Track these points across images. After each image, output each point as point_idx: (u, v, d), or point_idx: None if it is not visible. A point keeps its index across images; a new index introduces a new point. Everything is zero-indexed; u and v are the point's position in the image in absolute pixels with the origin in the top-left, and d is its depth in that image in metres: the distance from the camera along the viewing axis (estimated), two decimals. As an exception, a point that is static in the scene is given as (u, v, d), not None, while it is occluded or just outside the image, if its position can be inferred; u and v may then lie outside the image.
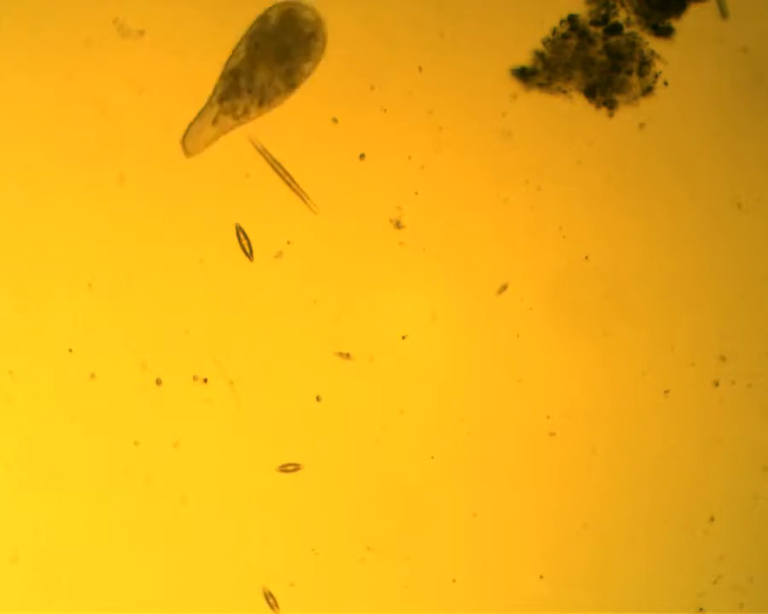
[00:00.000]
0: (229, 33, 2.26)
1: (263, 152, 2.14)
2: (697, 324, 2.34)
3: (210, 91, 2.22)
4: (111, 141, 2.27)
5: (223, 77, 2.17)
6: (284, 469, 2.33)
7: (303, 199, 2.21)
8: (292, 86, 2.17)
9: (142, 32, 2.25)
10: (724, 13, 2.15)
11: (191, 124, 2.20)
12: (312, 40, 2.16)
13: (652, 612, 2.38)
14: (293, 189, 2.20)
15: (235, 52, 2.18)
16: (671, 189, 2.32)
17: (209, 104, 2.18)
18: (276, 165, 2.19)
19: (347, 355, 2.31)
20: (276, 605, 2.36)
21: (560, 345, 2.33)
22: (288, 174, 2.21)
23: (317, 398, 2.32)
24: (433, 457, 2.34)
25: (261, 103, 2.18)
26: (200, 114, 2.18)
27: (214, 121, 2.19)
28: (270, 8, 2.18)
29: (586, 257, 2.31)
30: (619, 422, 2.34)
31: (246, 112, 2.18)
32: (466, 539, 2.36)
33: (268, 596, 2.35)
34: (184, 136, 2.20)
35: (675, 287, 2.33)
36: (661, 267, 2.33)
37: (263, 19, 2.15)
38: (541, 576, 2.37)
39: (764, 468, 2.37)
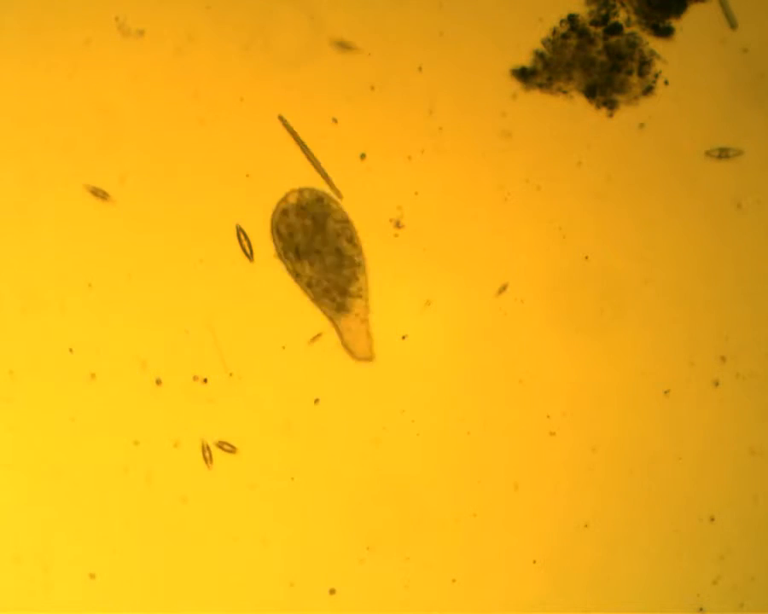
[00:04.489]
0: (230, 33, 2.26)
1: (293, 133, 2.15)
2: (697, 324, 2.34)
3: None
4: (111, 141, 2.27)
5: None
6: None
7: (330, 185, 2.21)
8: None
9: (142, 32, 2.25)
10: (732, 23, 2.15)
11: (344, 338, 2.24)
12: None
13: (652, 612, 2.38)
14: (321, 174, 2.21)
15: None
16: (671, 189, 2.32)
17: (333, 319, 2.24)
18: (304, 149, 2.19)
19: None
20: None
21: (560, 345, 2.33)
22: (315, 159, 2.22)
23: (316, 400, 2.32)
24: (433, 457, 2.34)
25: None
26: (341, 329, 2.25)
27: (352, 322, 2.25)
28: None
29: (586, 257, 2.31)
30: (619, 422, 2.34)
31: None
32: (466, 539, 2.36)
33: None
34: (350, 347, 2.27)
35: (675, 287, 2.33)
36: (661, 267, 2.33)
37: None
38: (541, 576, 2.37)
39: (764, 468, 2.37)
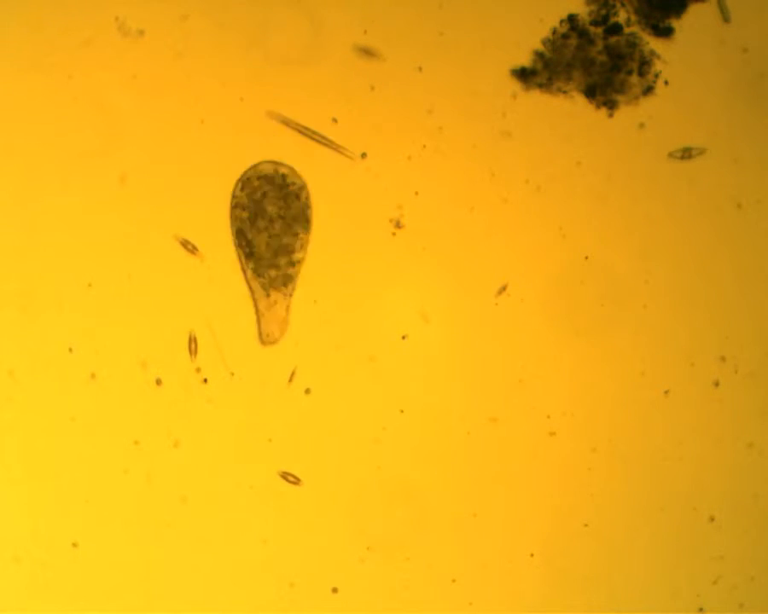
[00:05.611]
0: (230, 33, 2.26)
1: (287, 121, 2.15)
2: (697, 324, 2.34)
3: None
4: (111, 141, 2.27)
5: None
6: (285, 475, 2.33)
7: (341, 152, 2.21)
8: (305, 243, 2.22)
9: (142, 32, 2.25)
10: (726, 17, 2.15)
11: (259, 321, 2.23)
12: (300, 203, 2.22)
13: (652, 612, 2.38)
14: (330, 146, 2.21)
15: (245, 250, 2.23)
16: (671, 189, 2.32)
17: (257, 298, 2.23)
18: (303, 130, 2.19)
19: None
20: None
21: (560, 345, 2.33)
22: (317, 133, 2.21)
23: (311, 395, 2.32)
24: (433, 457, 2.34)
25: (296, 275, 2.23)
26: (260, 312, 2.22)
27: (270, 308, 2.23)
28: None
29: (586, 257, 2.31)
30: (619, 422, 2.34)
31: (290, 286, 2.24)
32: (466, 539, 2.36)
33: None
34: (260, 334, 2.25)
35: (675, 287, 2.33)
36: (661, 267, 2.33)
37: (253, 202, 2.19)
38: (541, 576, 2.37)
39: (764, 468, 2.37)
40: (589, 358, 2.33)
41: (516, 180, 2.29)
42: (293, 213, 2.22)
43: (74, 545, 2.32)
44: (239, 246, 2.22)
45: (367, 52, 2.27)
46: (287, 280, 2.24)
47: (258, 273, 2.23)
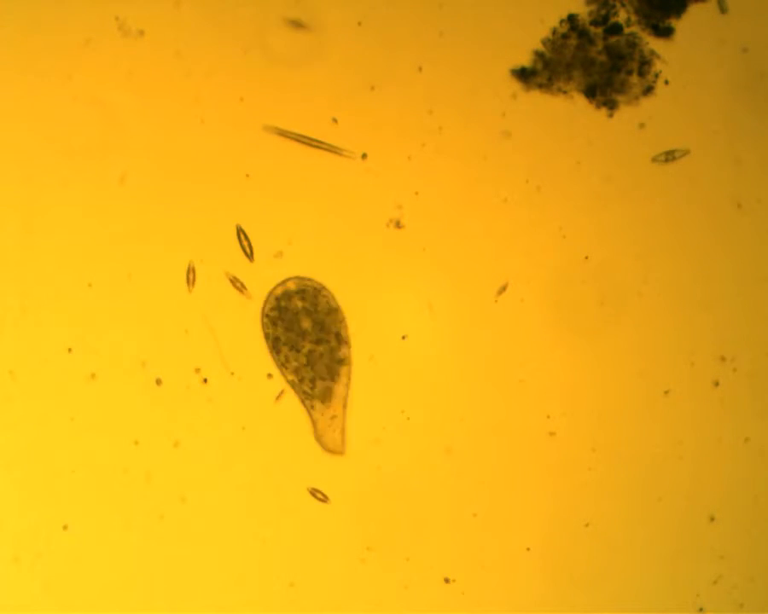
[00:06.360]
0: (230, 33, 2.26)
1: (283, 133, 2.15)
2: (697, 324, 2.34)
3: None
4: (111, 141, 2.27)
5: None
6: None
7: (340, 154, 2.21)
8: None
9: (142, 32, 2.25)
10: (723, 8, 2.15)
11: (318, 433, 2.27)
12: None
13: (652, 612, 2.38)
14: (329, 150, 2.21)
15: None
16: (671, 189, 2.32)
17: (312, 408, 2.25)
18: (300, 138, 2.19)
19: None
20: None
21: (560, 345, 2.33)
22: (315, 140, 2.21)
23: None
24: (433, 457, 2.34)
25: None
26: (316, 423, 2.28)
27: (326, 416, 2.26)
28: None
29: (586, 257, 2.31)
30: (619, 422, 2.35)
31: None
32: (466, 539, 2.36)
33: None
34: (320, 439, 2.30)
35: (675, 287, 2.33)
36: (661, 267, 2.33)
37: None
38: (541, 576, 2.37)
39: (764, 468, 2.37)
40: (589, 358, 2.33)
41: (516, 180, 2.29)
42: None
43: (74, 544, 2.32)
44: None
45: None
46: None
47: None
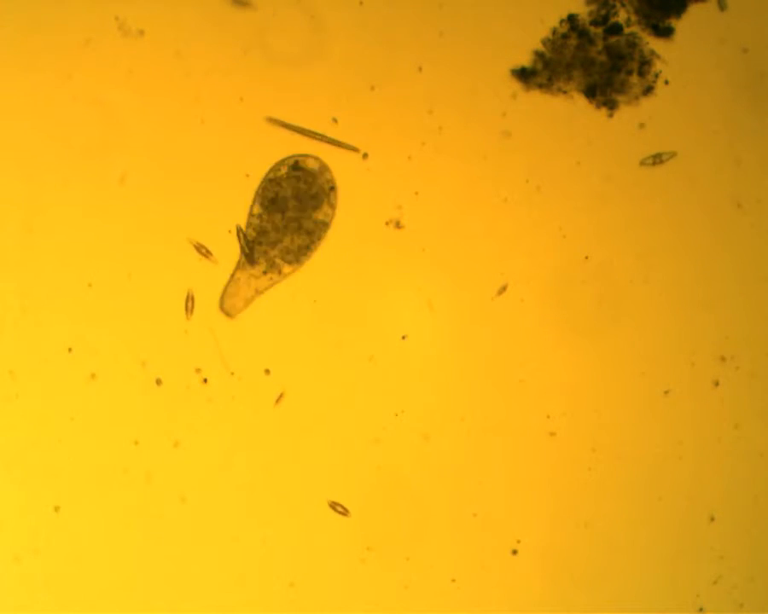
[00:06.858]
0: (230, 33, 2.26)
1: (289, 126, 2.15)
2: (697, 324, 2.34)
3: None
4: (111, 141, 2.27)
5: (246, 242, 2.21)
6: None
7: (348, 149, 2.21)
8: (317, 238, 2.21)
9: (142, 32, 2.25)
10: (722, 6, 2.15)
11: (226, 288, 2.23)
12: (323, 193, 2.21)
13: (652, 612, 2.38)
14: (336, 145, 2.21)
15: (251, 214, 2.22)
16: (671, 189, 2.32)
17: (239, 267, 2.22)
18: (306, 133, 2.19)
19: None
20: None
21: (560, 345, 2.33)
22: (320, 134, 2.21)
23: (318, 399, 2.32)
24: (433, 457, 2.34)
25: (291, 262, 2.22)
26: (233, 278, 2.22)
27: (248, 283, 2.23)
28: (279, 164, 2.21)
29: (586, 257, 2.31)
30: (619, 422, 2.35)
31: (279, 272, 2.23)
32: (466, 539, 2.36)
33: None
34: (221, 300, 2.23)
35: (675, 287, 2.33)
36: (661, 267, 2.33)
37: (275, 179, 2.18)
38: (541, 576, 2.37)
39: (764, 468, 2.37)
40: (589, 358, 2.33)
41: (516, 180, 2.29)
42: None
43: (74, 544, 2.32)
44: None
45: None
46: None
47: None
